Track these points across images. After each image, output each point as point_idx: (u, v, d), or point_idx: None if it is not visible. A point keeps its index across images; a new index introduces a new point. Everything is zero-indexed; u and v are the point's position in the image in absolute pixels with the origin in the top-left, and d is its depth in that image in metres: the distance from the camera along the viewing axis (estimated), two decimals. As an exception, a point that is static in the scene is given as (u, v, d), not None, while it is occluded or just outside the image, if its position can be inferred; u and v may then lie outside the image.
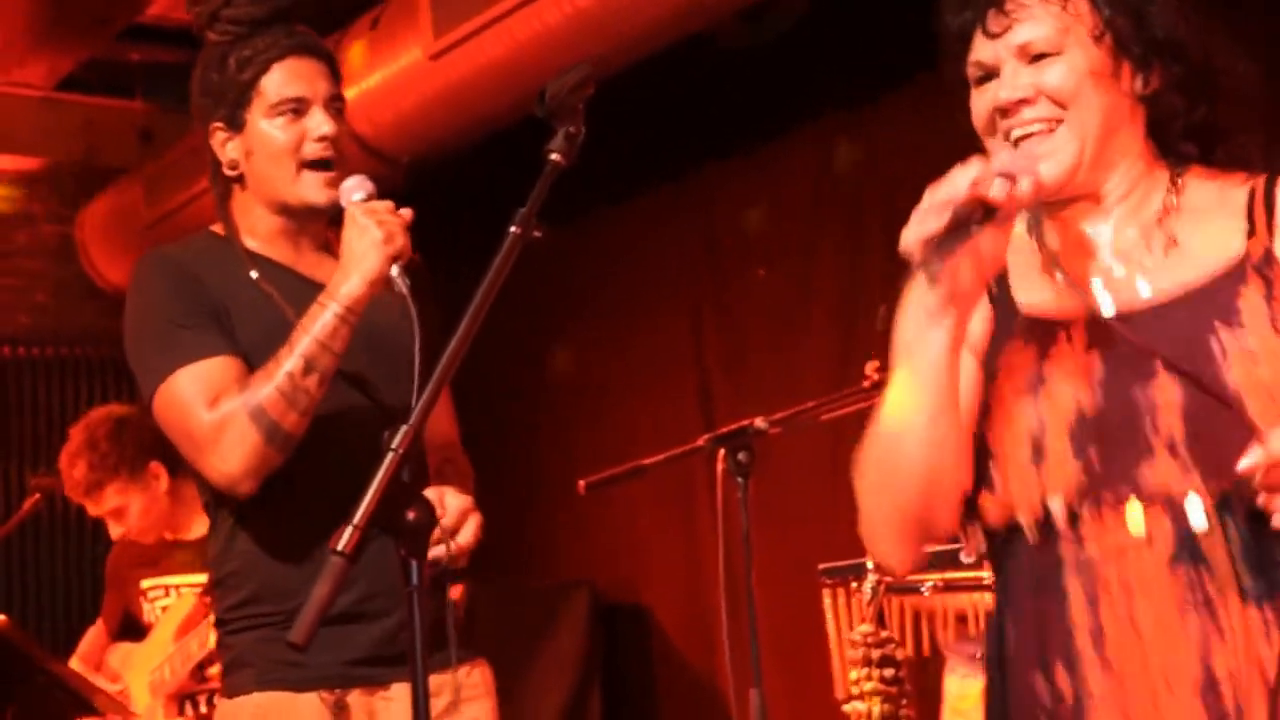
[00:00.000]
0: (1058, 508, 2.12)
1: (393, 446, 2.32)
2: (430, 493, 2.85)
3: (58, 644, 5.16)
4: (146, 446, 5.09)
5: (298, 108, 2.91)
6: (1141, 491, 2.09)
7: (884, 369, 3.90)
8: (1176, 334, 2.14)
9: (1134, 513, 2.09)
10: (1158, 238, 2.25)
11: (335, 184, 2.86)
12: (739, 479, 3.70)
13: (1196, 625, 2.05)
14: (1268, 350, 2.08)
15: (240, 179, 2.98)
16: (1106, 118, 2.18)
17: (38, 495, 5.59)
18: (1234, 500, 2.06)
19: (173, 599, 5.13)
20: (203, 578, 5.09)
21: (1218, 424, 2.06)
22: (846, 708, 3.61)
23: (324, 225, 2.96)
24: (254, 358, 2.83)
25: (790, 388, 4.81)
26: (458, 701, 2.97)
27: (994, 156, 2.18)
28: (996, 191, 2.00)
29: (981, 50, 2.24)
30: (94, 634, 5.34)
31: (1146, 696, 2.06)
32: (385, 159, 6.07)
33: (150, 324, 2.91)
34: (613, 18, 5.12)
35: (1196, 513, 2.06)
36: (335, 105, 2.97)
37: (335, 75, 3.01)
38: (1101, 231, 2.29)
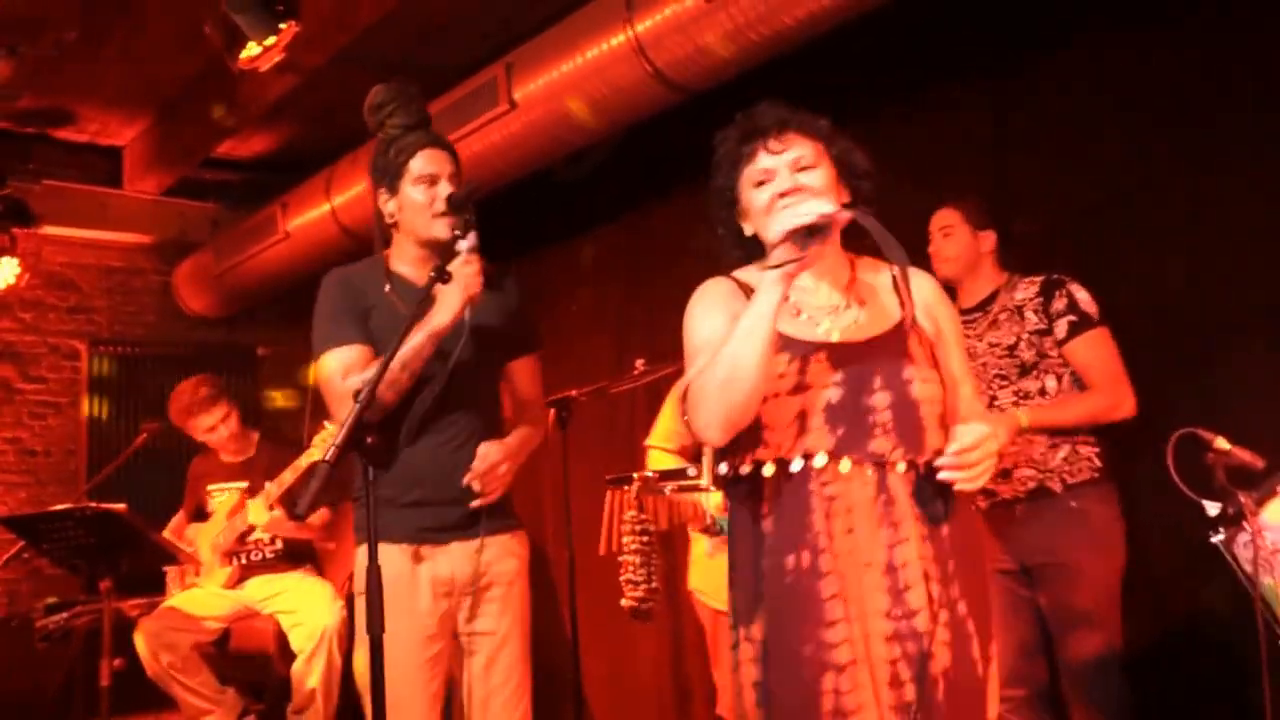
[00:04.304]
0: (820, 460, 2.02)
1: (356, 400, 2.28)
2: (482, 447, 2.79)
3: (156, 524, 4.99)
4: (219, 394, 5.08)
5: (431, 180, 2.81)
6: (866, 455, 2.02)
7: (648, 363, 3.93)
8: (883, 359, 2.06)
9: (847, 467, 2.02)
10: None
11: (450, 227, 2.74)
12: (562, 426, 3.70)
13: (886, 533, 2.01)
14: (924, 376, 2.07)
15: (396, 225, 2.85)
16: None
17: (145, 434, 5.50)
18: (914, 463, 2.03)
19: (226, 495, 5.04)
20: (243, 484, 4.99)
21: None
22: (621, 557, 3.61)
23: (445, 252, 2.75)
24: (380, 342, 2.72)
25: (591, 374, 4.80)
26: (506, 555, 2.92)
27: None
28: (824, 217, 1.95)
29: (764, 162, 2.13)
30: (177, 519, 5.25)
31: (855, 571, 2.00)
32: (357, 238, 5.97)
33: (320, 316, 2.78)
34: (498, 159, 5.05)
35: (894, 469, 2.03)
36: (456, 178, 2.84)
37: (455, 158, 2.87)
38: (820, 286, 2.17)
